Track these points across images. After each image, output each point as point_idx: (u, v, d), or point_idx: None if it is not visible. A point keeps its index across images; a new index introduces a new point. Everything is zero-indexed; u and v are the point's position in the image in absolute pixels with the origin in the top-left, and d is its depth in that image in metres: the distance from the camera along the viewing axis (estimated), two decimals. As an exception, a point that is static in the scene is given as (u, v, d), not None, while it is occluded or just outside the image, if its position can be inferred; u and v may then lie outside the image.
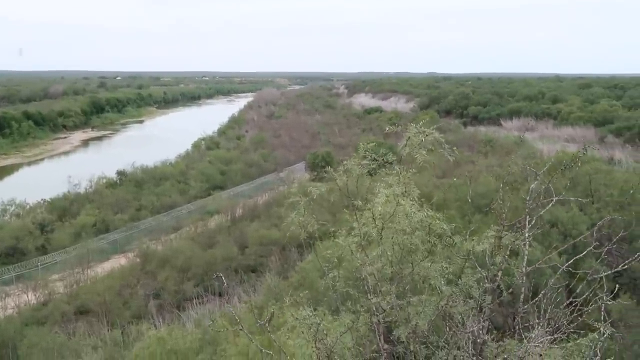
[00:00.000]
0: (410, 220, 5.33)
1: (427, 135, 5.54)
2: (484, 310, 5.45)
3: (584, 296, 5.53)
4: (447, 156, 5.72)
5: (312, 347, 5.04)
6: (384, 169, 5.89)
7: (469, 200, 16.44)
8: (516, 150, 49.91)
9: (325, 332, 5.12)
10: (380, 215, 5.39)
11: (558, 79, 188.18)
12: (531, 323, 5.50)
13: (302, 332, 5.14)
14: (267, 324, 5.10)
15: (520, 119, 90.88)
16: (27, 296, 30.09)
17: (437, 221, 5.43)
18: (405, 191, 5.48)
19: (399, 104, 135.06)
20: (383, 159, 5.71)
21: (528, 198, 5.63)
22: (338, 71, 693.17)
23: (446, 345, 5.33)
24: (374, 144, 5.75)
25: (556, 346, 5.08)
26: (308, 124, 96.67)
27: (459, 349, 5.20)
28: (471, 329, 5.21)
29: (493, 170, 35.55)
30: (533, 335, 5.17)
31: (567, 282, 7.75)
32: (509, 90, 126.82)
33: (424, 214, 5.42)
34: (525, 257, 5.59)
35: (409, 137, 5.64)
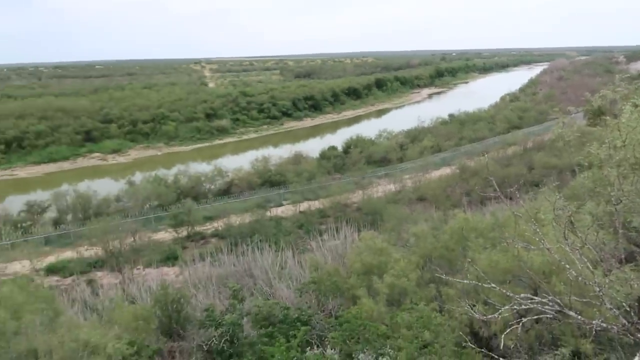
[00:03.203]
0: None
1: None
2: None
3: None
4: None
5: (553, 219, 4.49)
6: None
7: None
8: None
9: (568, 211, 4.50)
10: (625, 127, 4.38)
11: None
12: None
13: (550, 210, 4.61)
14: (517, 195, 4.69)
15: None
16: (390, 186, 32.47)
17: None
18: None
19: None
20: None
21: None
22: (619, 45, 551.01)
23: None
24: (628, 75, 4.62)
25: None
26: (590, 84, 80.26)
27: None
28: None
29: None
30: None
31: None
32: None
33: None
34: None
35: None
